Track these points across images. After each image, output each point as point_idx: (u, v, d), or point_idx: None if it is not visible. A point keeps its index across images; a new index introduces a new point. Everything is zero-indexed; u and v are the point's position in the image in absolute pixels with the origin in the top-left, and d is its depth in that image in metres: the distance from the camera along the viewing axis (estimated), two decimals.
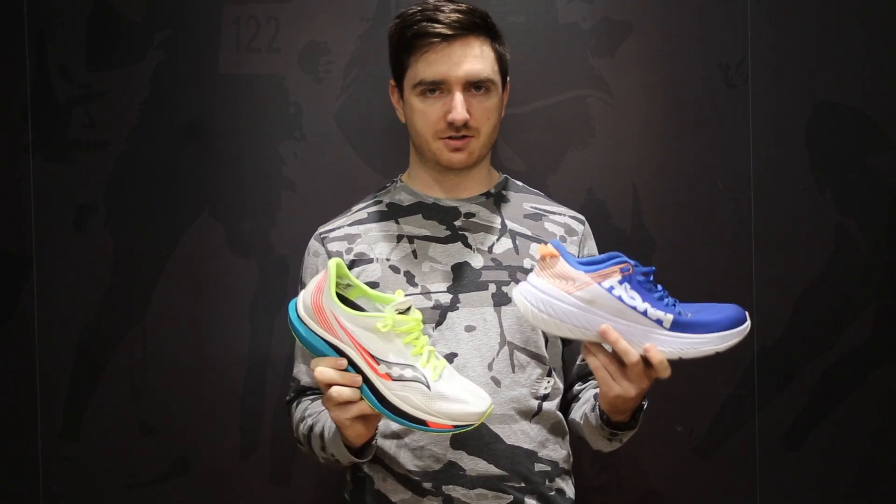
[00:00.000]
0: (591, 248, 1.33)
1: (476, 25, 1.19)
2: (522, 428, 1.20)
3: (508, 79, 1.28)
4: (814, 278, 1.56)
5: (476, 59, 1.19)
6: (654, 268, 1.06)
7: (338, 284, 1.06)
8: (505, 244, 1.24)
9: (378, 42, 1.56)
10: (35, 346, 1.58)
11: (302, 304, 1.05)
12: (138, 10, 1.56)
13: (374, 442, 1.15)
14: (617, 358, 1.04)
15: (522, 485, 1.19)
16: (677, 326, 1.02)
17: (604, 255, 1.04)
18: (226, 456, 1.57)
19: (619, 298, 1.02)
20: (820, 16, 1.56)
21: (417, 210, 1.27)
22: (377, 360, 1.02)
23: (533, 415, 1.21)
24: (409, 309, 1.05)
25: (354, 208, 1.32)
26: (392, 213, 1.28)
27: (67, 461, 1.58)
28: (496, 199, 1.29)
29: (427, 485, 1.17)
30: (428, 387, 1.01)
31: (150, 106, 1.57)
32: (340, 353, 1.03)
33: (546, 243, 1.05)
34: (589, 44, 1.55)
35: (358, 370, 1.02)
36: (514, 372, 1.20)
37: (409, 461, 1.18)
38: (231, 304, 1.57)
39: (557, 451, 1.24)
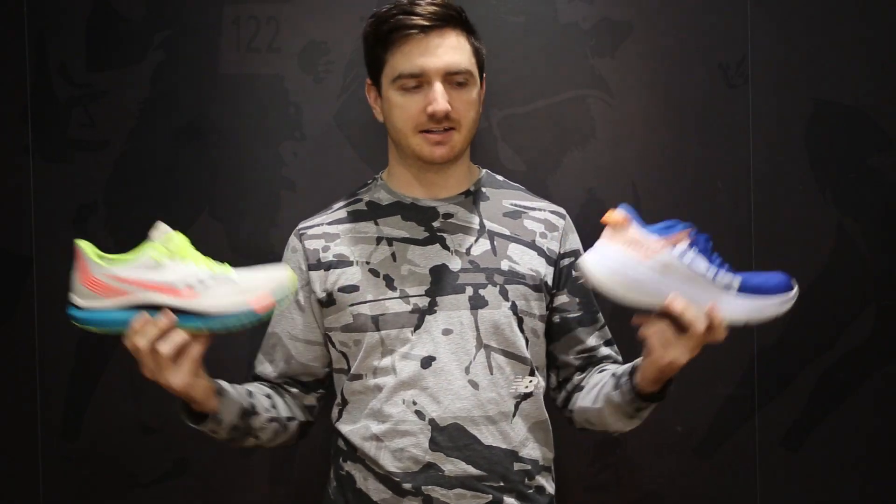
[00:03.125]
0: (574, 242, 1.32)
1: (452, 18, 1.19)
2: (501, 429, 1.20)
3: (485, 75, 1.28)
4: (814, 278, 1.56)
5: (454, 50, 1.19)
6: (709, 235, 1.06)
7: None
8: (483, 245, 1.24)
9: None
10: (35, 346, 1.58)
11: (77, 295, 1.05)
12: (138, 10, 1.56)
13: (218, 409, 1.16)
14: (675, 324, 1.04)
15: (501, 484, 1.20)
16: (745, 289, 1.03)
17: (668, 222, 1.04)
18: (226, 456, 1.57)
19: (691, 264, 1.02)
20: (820, 16, 1.56)
21: (396, 210, 1.27)
22: (173, 286, 1.02)
23: (512, 415, 1.21)
24: (164, 233, 1.06)
25: (334, 206, 1.32)
26: (371, 212, 1.28)
27: (67, 461, 1.58)
28: (475, 198, 1.29)
29: (407, 485, 1.18)
30: (231, 280, 1.04)
31: (150, 106, 1.57)
32: (139, 309, 1.03)
33: (613, 210, 1.03)
34: (589, 44, 1.55)
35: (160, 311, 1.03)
36: (491, 374, 1.20)
37: (389, 462, 1.19)
38: None
39: (538, 450, 1.24)
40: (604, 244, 1.04)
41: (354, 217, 1.28)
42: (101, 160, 1.57)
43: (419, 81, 1.19)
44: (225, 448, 1.57)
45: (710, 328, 1.04)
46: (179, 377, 1.06)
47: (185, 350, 1.05)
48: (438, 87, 1.18)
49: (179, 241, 1.05)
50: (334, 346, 1.26)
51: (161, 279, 1.02)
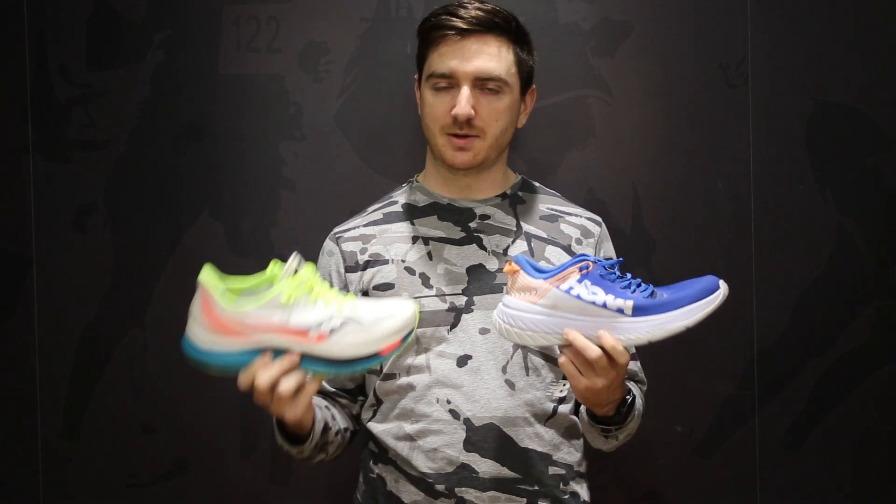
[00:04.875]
0: (608, 250, 1.32)
1: (496, 25, 1.18)
2: (536, 431, 1.19)
3: (534, 86, 1.27)
4: (814, 278, 1.56)
5: (490, 56, 1.18)
6: (619, 260, 1.07)
7: (226, 293, 1.02)
8: (520, 246, 1.24)
9: (378, 42, 1.56)
10: (35, 346, 1.58)
11: (199, 331, 1.00)
12: (138, 10, 1.56)
13: (313, 427, 1.14)
14: (579, 355, 1.04)
15: (536, 488, 1.18)
16: (639, 311, 1.03)
17: (567, 261, 1.06)
18: (226, 456, 1.57)
19: (578, 297, 1.03)
20: (820, 16, 1.56)
21: (432, 211, 1.27)
22: (303, 330, 0.98)
23: (547, 418, 1.21)
24: (296, 269, 1.01)
25: (370, 209, 1.32)
26: (407, 213, 1.27)
27: (67, 461, 1.58)
28: (512, 201, 1.29)
29: (440, 487, 1.17)
30: (359, 322, 0.99)
31: (150, 106, 1.57)
32: (263, 352, 0.99)
33: (510, 262, 1.05)
34: (589, 44, 1.55)
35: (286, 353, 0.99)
36: (527, 375, 1.19)
37: (422, 463, 1.18)
38: None
39: (572, 455, 1.23)
40: (506, 296, 1.07)
41: (390, 218, 1.28)
42: (101, 160, 1.57)
43: (450, 83, 1.19)
44: (225, 448, 1.57)
45: (609, 352, 1.02)
46: (294, 412, 1.03)
47: (302, 388, 1.02)
48: (465, 91, 1.17)
49: (309, 276, 1.00)
50: None
51: (290, 323, 0.98)
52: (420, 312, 1.17)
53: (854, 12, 1.56)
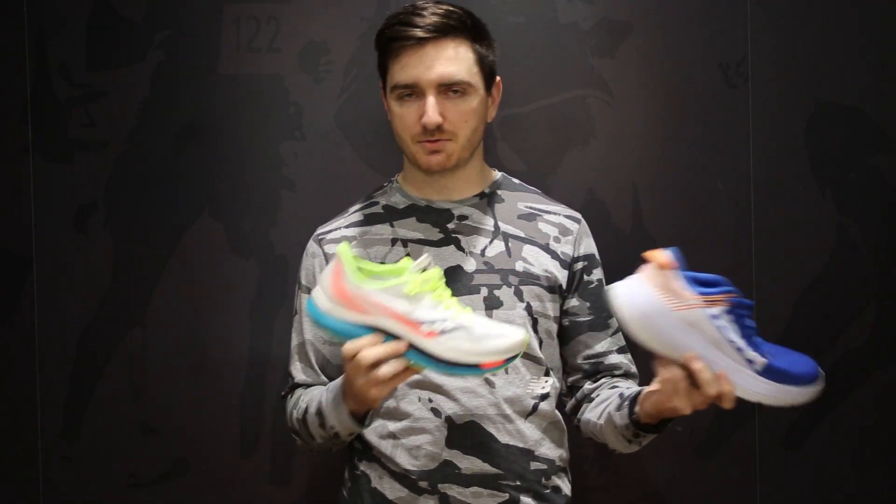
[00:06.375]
0: (589, 246, 1.32)
1: (451, 27, 1.18)
2: (517, 427, 1.21)
3: (498, 79, 1.27)
4: (814, 278, 1.56)
5: (449, 61, 1.18)
6: (753, 302, 1.04)
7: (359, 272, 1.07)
8: (497, 247, 1.24)
9: None
10: (35, 346, 1.58)
11: (323, 296, 1.05)
12: (138, 10, 1.56)
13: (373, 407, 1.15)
14: (690, 378, 1.02)
15: (518, 483, 1.20)
16: (768, 373, 1.01)
17: (712, 278, 1.01)
18: (226, 456, 1.57)
19: (721, 329, 1.00)
20: (820, 16, 1.56)
21: (411, 213, 1.27)
22: (418, 322, 1.02)
23: (528, 414, 1.22)
24: (426, 267, 1.05)
25: (351, 210, 1.33)
26: (387, 215, 1.28)
27: (67, 461, 1.58)
28: (490, 200, 1.29)
29: (423, 483, 1.18)
30: (470, 332, 1.02)
31: (150, 106, 1.57)
32: (375, 331, 1.03)
33: (663, 251, 1.01)
34: (589, 44, 1.55)
35: (396, 339, 1.03)
36: (506, 373, 1.20)
37: (405, 460, 1.19)
38: (231, 304, 1.57)
39: (553, 450, 1.25)
40: (639, 281, 1.02)
41: (370, 220, 1.29)
42: (101, 160, 1.57)
43: (415, 92, 1.19)
44: (225, 448, 1.57)
45: (720, 395, 1.02)
46: (380, 392, 1.05)
47: (398, 376, 1.04)
48: (430, 100, 1.17)
49: (436, 278, 1.04)
50: None
51: (408, 313, 1.02)
52: None
53: (854, 12, 1.56)
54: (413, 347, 1.02)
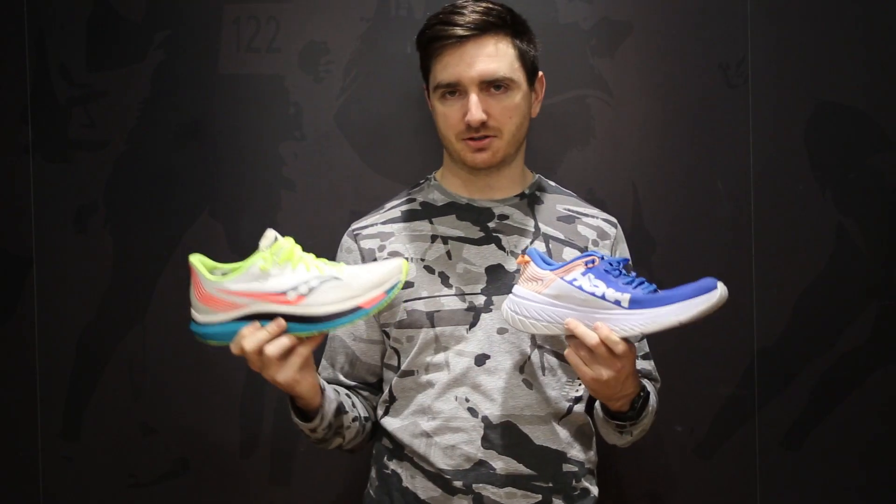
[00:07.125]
0: (623, 251, 1.33)
1: (490, 24, 1.18)
2: (552, 429, 1.22)
3: (541, 74, 1.28)
4: (814, 278, 1.56)
5: (489, 58, 1.18)
6: (625, 259, 1.11)
7: (213, 274, 1.07)
8: (538, 248, 1.25)
9: (378, 42, 1.56)
10: (35, 346, 1.58)
11: (195, 311, 1.06)
12: (138, 10, 1.56)
13: (322, 404, 1.16)
14: (583, 345, 1.06)
15: (550, 485, 1.21)
16: (635, 304, 1.05)
17: (576, 256, 1.11)
18: (226, 456, 1.57)
19: (580, 288, 1.07)
20: (820, 16, 1.56)
21: (451, 210, 1.28)
22: (281, 294, 1.03)
23: (562, 417, 1.23)
24: (271, 241, 1.06)
25: (388, 205, 1.33)
26: (425, 212, 1.28)
27: (67, 461, 1.58)
28: (530, 201, 1.30)
29: (457, 483, 1.19)
30: (336, 278, 1.03)
31: (150, 106, 1.57)
32: (251, 320, 1.04)
33: (522, 253, 1.09)
34: (589, 44, 1.55)
35: (271, 320, 1.03)
36: (544, 374, 1.21)
37: (440, 459, 1.19)
38: None
39: (584, 453, 1.26)
40: (516, 286, 1.13)
41: (408, 216, 1.29)
42: (101, 160, 1.57)
43: (458, 90, 1.19)
44: (225, 448, 1.57)
45: (605, 343, 1.04)
46: (284, 374, 1.06)
47: (292, 350, 1.06)
48: (473, 97, 1.18)
49: (287, 246, 1.05)
50: (389, 342, 1.26)
51: (269, 288, 1.03)
52: (439, 311, 1.19)
53: (854, 12, 1.56)
54: (290, 319, 1.03)
